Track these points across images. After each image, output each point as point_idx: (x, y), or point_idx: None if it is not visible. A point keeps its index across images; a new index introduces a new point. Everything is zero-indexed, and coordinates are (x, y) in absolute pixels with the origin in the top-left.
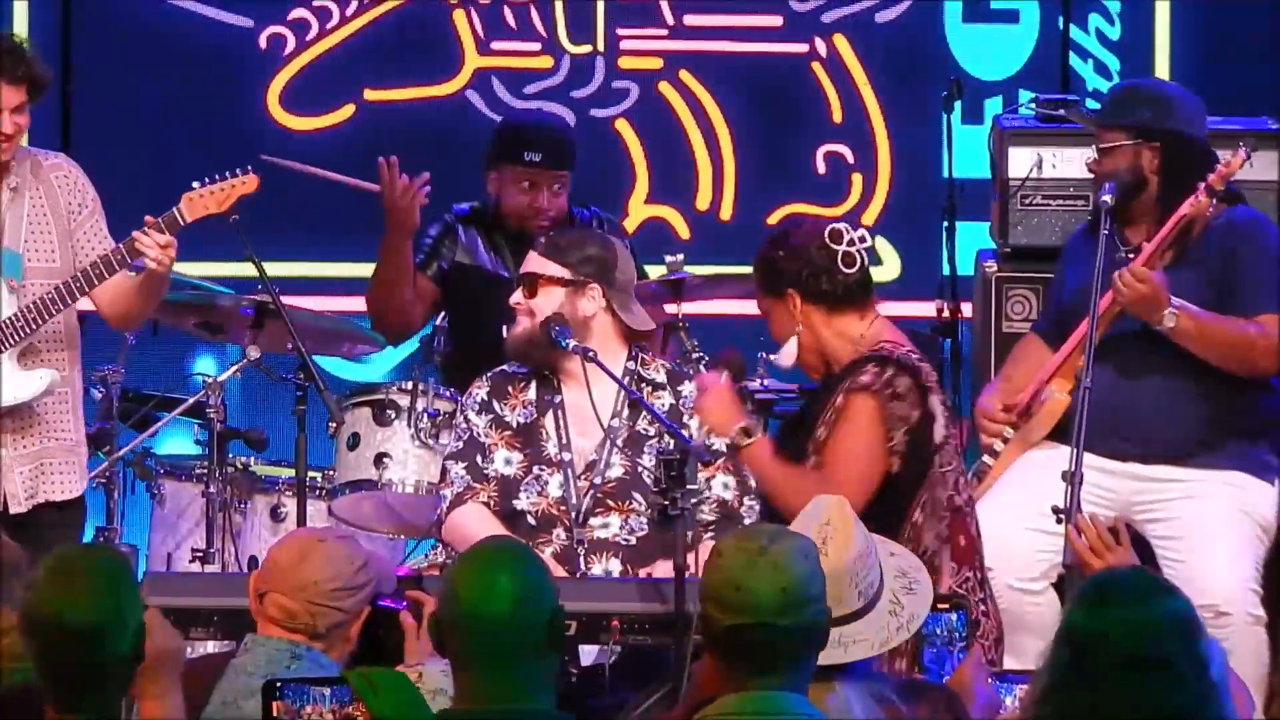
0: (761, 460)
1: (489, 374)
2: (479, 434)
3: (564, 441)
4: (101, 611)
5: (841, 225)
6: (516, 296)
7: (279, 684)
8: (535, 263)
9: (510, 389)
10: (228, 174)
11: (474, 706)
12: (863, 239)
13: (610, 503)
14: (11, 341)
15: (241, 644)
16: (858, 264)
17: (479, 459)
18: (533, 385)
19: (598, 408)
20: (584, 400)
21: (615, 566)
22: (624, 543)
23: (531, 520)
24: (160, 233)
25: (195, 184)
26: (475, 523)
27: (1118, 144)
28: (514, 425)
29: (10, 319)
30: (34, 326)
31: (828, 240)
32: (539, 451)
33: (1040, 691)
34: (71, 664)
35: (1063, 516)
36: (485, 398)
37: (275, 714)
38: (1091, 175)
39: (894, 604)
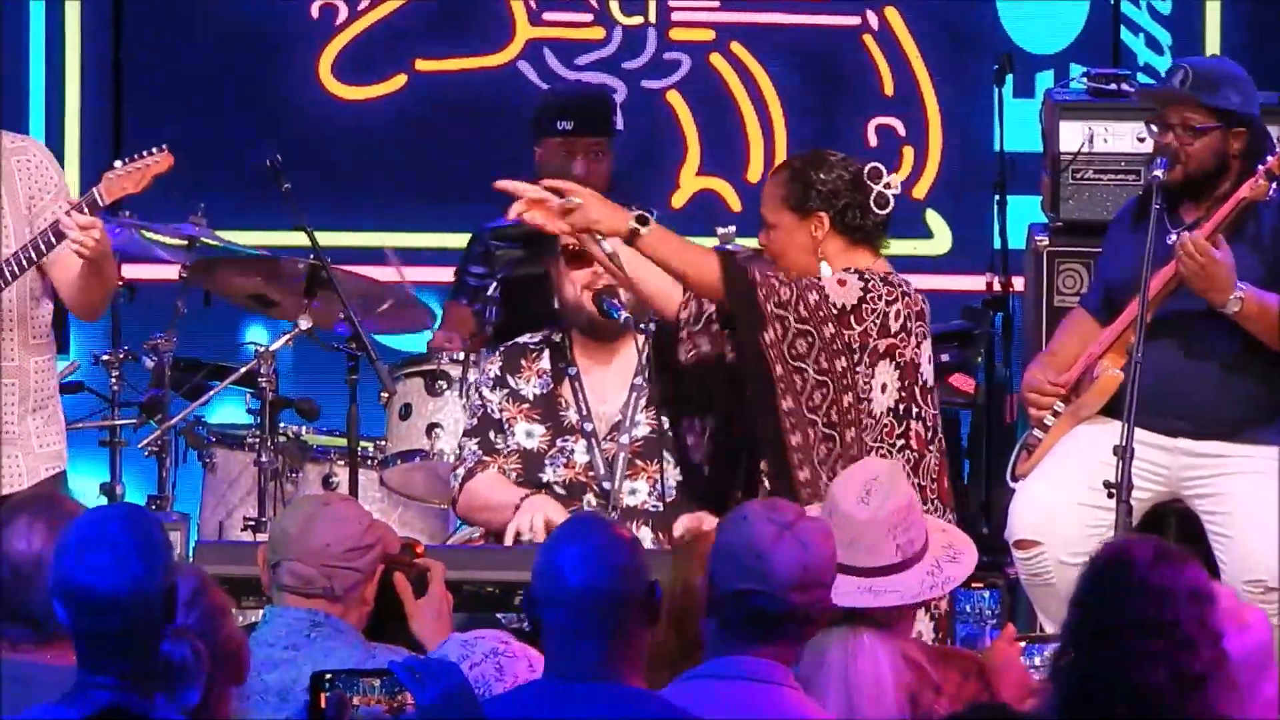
0: (665, 240)
1: (501, 349)
2: (493, 410)
3: (584, 409)
4: (126, 579)
5: (880, 165)
6: (583, 276)
7: (327, 675)
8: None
9: (523, 361)
10: (145, 153)
11: (570, 680)
12: (893, 184)
13: (639, 463)
14: None
15: (262, 617)
16: (889, 206)
17: (492, 435)
18: (545, 355)
19: (623, 370)
20: (600, 366)
21: (645, 534)
22: (653, 510)
23: (560, 490)
24: (81, 213)
25: (117, 163)
26: (489, 488)
27: (1209, 126)
28: (530, 397)
29: None
30: None
31: (866, 177)
32: (559, 421)
33: (1057, 652)
34: (99, 629)
35: (1114, 491)
36: (499, 373)
37: (322, 705)
38: (1152, 150)
39: (934, 568)
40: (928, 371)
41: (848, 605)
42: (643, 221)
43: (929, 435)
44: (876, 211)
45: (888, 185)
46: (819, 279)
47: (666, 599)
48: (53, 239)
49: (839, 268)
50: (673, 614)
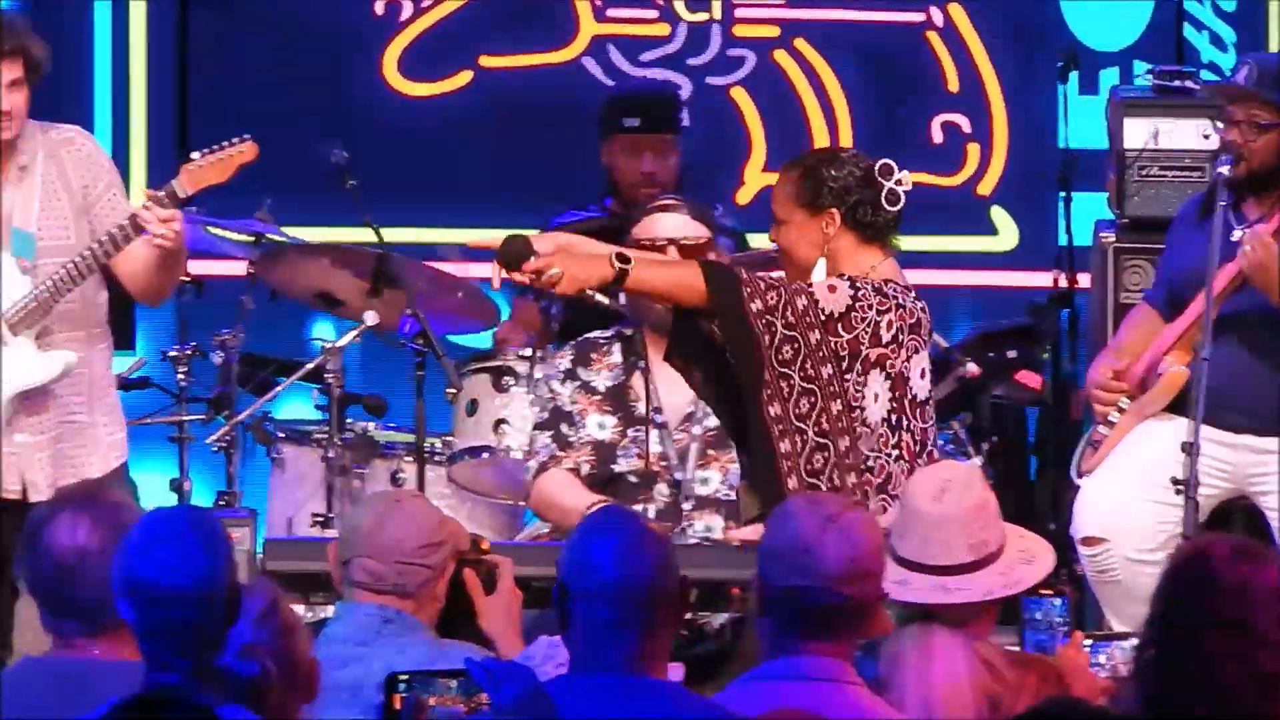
0: (648, 268)
1: (573, 343)
2: (563, 403)
3: (655, 401)
4: (191, 575)
5: (891, 162)
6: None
7: (402, 677)
8: (692, 226)
9: (594, 355)
10: (226, 143)
11: (600, 674)
12: (905, 180)
13: (711, 452)
14: (26, 323)
15: (333, 613)
16: (900, 203)
17: (563, 427)
18: (617, 348)
19: None
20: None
21: (717, 522)
22: (724, 498)
23: (633, 479)
24: (161, 206)
25: (195, 154)
26: (560, 488)
27: (1274, 122)
28: (602, 389)
29: (23, 299)
30: (47, 307)
31: (878, 174)
32: (630, 412)
33: (1138, 648)
34: (165, 625)
35: (1182, 489)
36: (570, 366)
37: (396, 706)
38: (1217, 146)
39: (1007, 569)
40: (919, 386)
41: (920, 602)
42: (624, 260)
43: (918, 448)
44: (888, 208)
45: (899, 182)
46: (810, 284)
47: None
48: (131, 232)
49: (849, 265)
50: None
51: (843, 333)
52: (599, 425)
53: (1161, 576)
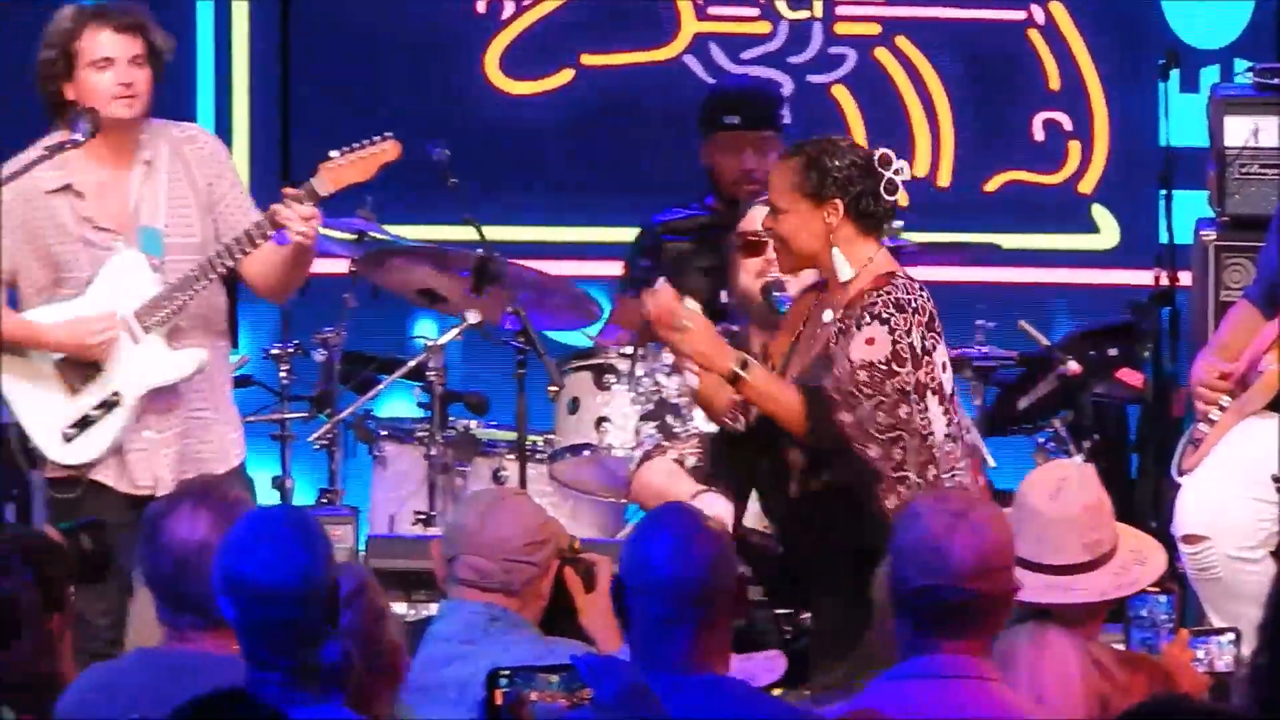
0: (765, 382)
1: None
2: (669, 395)
3: None
4: (291, 573)
5: (890, 151)
6: (757, 264)
7: (503, 672)
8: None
9: None
10: (366, 141)
11: (658, 670)
12: (903, 170)
13: None
14: (159, 321)
15: (438, 611)
16: (897, 193)
17: (669, 418)
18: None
19: None
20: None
21: None
22: None
23: None
24: (300, 204)
25: (334, 153)
26: (662, 477)
27: None
28: None
29: (156, 297)
30: (180, 304)
31: (878, 163)
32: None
33: (1255, 652)
34: (265, 623)
35: None
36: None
37: (498, 702)
38: None
39: (1121, 570)
40: (947, 382)
41: (1035, 601)
42: (743, 365)
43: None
44: (887, 198)
45: (898, 171)
46: (864, 359)
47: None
48: (269, 229)
49: (847, 255)
50: None
51: (899, 368)
52: (705, 417)
53: (1273, 581)
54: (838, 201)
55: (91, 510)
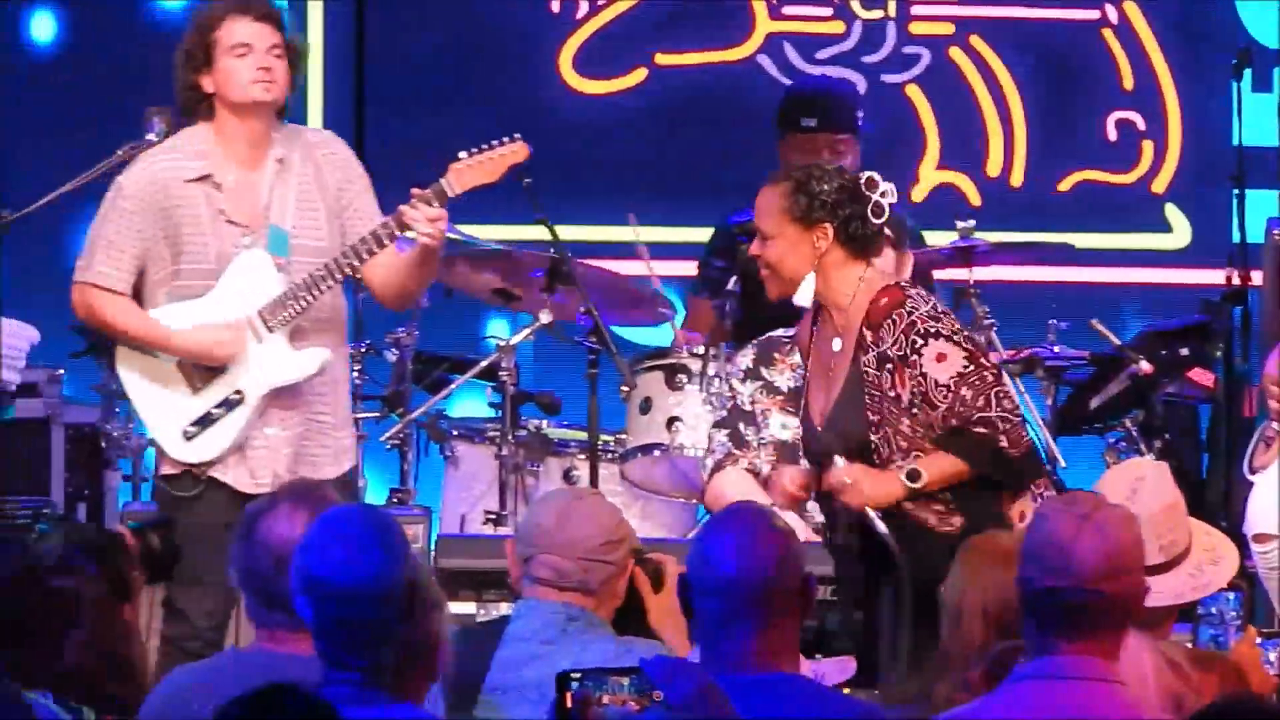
0: (937, 475)
1: (755, 341)
2: (743, 402)
3: None
4: (368, 573)
5: (876, 174)
6: None
7: (574, 675)
8: None
9: (777, 354)
10: (495, 142)
11: (721, 670)
12: (889, 193)
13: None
14: (283, 321)
15: (514, 611)
16: (884, 216)
17: (742, 426)
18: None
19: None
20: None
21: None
22: None
23: None
24: (429, 205)
25: (462, 154)
26: (735, 487)
27: None
28: (785, 389)
29: (281, 296)
30: (304, 305)
31: (864, 187)
32: None
33: None
34: (341, 623)
35: None
36: (751, 365)
37: (568, 706)
38: None
39: (1195, 571)
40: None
41: None
42: (914, 477)
43: None
44: (874, 221)
45: (884, 194)
46: (945, 383)
47: (955, 596)
48: (396, 230)
49: (836, 279)
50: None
51: (982, 360)
52: (782, 425)
53: None
54: (827, 225)
55: (210, 508)
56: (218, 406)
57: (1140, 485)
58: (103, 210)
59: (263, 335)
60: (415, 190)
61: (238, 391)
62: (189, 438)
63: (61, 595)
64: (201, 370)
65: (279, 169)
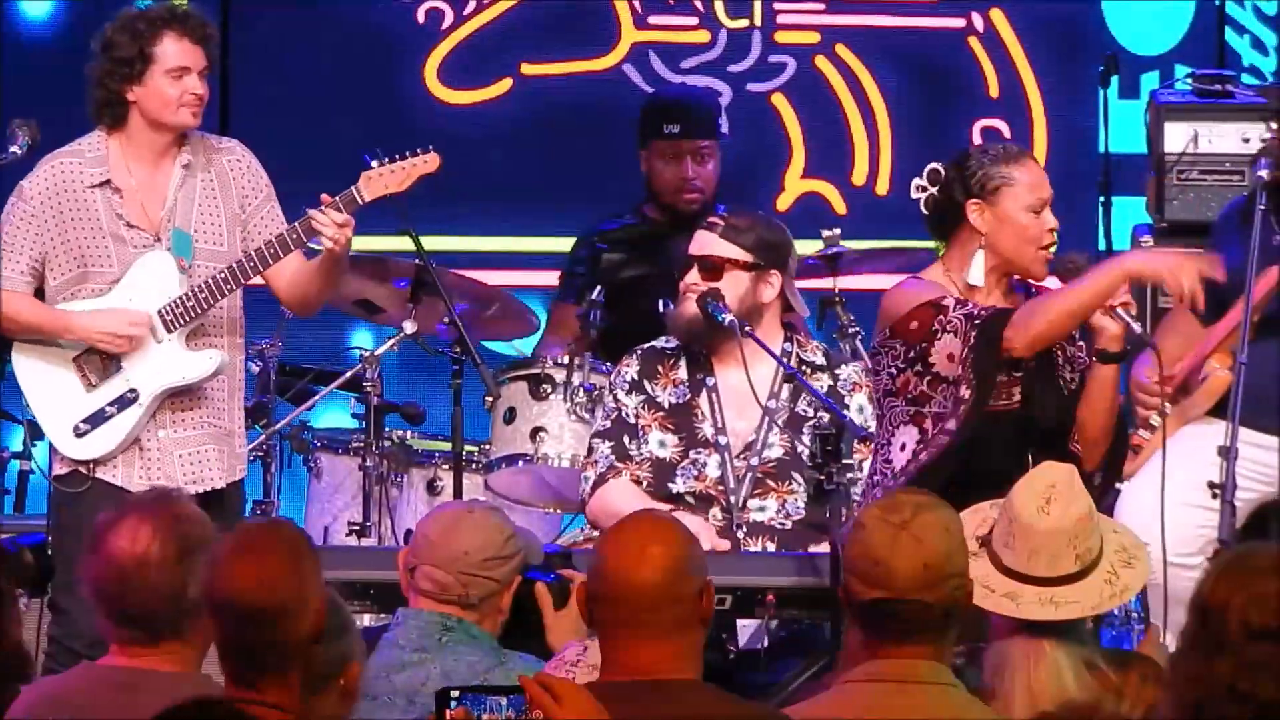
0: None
1: (638, 351)
2: (627, 414)
3: (719, 423)
4: (282, 591)
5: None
6: (692, 278)
7: (453, 692)
8: (716, 245)
9: (660, 367)
10: (407, 153)
11: (621, 678)
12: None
13: (770, 483)
14: (181, 322)
15: (393, 618)
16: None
17: (625, 439)
18: (683, 363)
19: (755, 388)
20: (739, 380)
21: (770, 549)
22: (780, 526)
23: (690, 500)
24: (338, 211)
25: (374, 163)
26: (624, 498)
27: None
28: (666, 406)
29: (181, 298)
30: (205, 307)
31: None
32: (694, 434)
33: (1173, 658)
34: (251, 643)
35: (1219, 492)
36: (635, 377)
37: None
38: (1257, 150)
39: (1110, 575)
40: None
41: (1029, 618)
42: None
43: None
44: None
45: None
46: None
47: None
48: (303, 236)
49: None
50: None
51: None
52: (660, 443)
53: (1199, 583)
54: (972, 201)
55: (95, 507)
56: (111, 404)
57: (1053, 494)
58: (3, 214)
59: (161, 335)
60: (325, 197)
61: (132, 390)
62: (80, 434)
63: None
64: (96, 367)
65: (185, 174)
